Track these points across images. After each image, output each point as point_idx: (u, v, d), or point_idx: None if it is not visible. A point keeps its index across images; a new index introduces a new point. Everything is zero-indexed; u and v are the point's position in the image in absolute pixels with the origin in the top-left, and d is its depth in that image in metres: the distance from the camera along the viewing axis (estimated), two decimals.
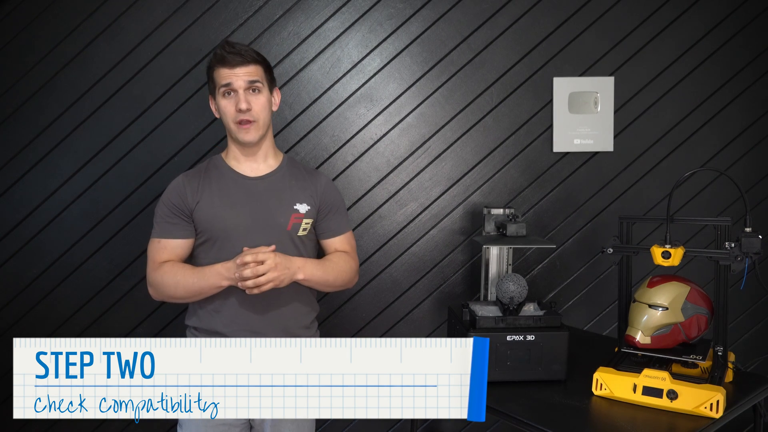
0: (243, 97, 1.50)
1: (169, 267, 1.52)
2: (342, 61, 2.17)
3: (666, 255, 1.48)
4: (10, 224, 2.12)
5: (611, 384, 1.46)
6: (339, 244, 1.68)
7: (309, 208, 1.60)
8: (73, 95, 2.11)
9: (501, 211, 1.96)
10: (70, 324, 2.16)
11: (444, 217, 2.24)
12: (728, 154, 2.26)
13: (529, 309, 1.72)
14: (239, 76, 1.50)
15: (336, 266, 1.63)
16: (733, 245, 1.43)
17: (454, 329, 1.73)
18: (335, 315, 2.24)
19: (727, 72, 2.24)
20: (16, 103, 2.10)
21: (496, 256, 1.94)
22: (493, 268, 1.94)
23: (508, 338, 1.55)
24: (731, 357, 1.57)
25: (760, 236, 1.41)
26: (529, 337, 1.55)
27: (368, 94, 2.19)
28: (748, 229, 1.43)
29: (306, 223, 1.60)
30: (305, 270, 1.53)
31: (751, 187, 2.27)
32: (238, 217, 1.53)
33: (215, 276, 1.48)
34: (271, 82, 1.60)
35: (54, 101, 2.10)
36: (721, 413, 1.35)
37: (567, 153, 2.24)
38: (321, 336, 2.22)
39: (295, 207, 1.58)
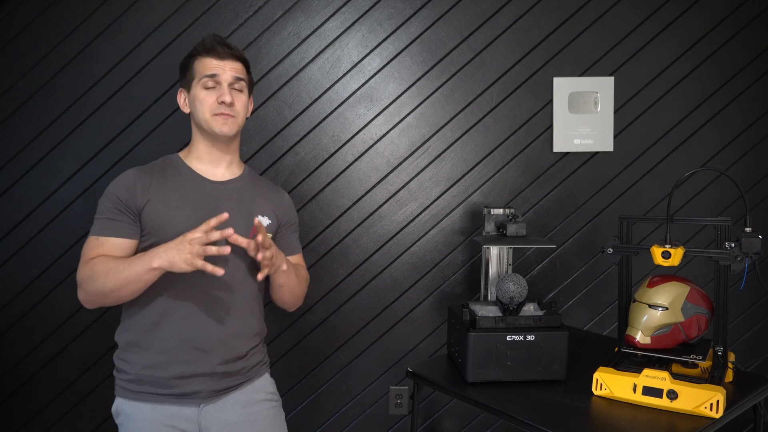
0: (228, 90, 1.43)
1: (101, 258, 1.34)
2: (342, 61, 2.17)
3: (666, 255, 1.47)
4: (10, 224, 2.12)
5: (611, 384, 1.46)
6: (296, 262, 1.63)
7: (270, 222, 1.52)
8: (73, 95, 2.11)
9: (501, 211, 1.96)
10: (71, 324, 2.16)
11: (444, 217, 2.24)
12: (728, 154, 2.26)
13: (529, 309, 1.72)
14: (227, 69, 1.43)
15: (300, 273, 1.59)
16: (733, 245, 1.43)
17: (454, 329, 1.73)
18: (335, 315, 2.24)
19: (727, 72, 2.24)
20: (16, 103, 2.10)
21: (496, 256, 1.94)
22: (493, 268, 1.94)
23: (508, 338, 1.55)
24: (731, 357, 1.57)
25: (760, 236, 1.41)
26: (529, 337, 1.55)
27: (368, 94, 2.19)
28: (748, 229, 1.43)
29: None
30: (287, 262, 1.46)
31: (751, 187, 2.27)
32: (194, 220, 1.36)
33: (147, 256, 1.28)
34: (251, 87, 1.54)
35: (54, 101, 2.10)
36: (721, 413, 1.35)
37: (567, 153, 2.24)
38: (314, 338, 2.23)
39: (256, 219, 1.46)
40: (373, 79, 2.18)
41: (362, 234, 2.23)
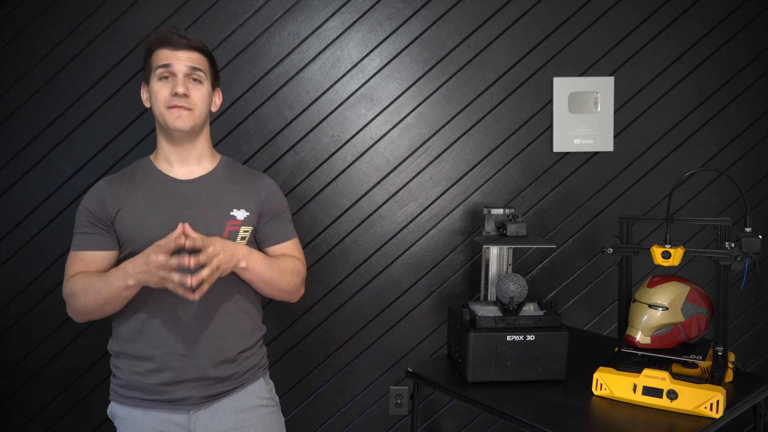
0: (182, 81, 1.35)
1: (80, 276, 1.33)
2: (342, 61, 2.17)
3: (666, 255, 1.48)
4: (11, 224, 2.12)
5: (611, 384, 1.46)
6: (285, 249, 1.53)
7: (248, 214, 1.44)
8: (73, 95, 2.11)
9: (501, 211, 1.95)
10: (71, 323, 2.16)
11: (444, 217, 2.24)
12: (728, 154, 2.26)
13: (529, 309, 1.72)
14: (181, 59, 1.35)
15: (282, 265, 1.46)
16: (733, 245, 1.43)
17: (454, 329, 1.73)
18: (335, 315, 2.24)
19: (727, 72, 2.24)
20: (16, 103, 2.10)
21: (496, 256, 1.94)
22: (493, 268, 1.94)
23: (508, 338, 1.55)
24: (731, 357, 1.57)
25: (760, 236, 1.41)
26: (529, 337, 1.55)
27: (368, 94, 2.19)
28: (748, 229, 1.43)
29: (245, 231, 1.43)
30: (249, 258, 1.36)
31: (751, 187, 2.27)
32: (167, 224, 1.32)
33: (120, 275, 1.26)
34: (215, 79, 1.46)
35: (54, 101, 2.10)
36: (721, 413, 1.35)
37: (567, 153, 2.24)
38: (314, 338, 2.23)
39: (231, 213, 1.41)
40: (373, 79, 2.19)
41: (362, 234, 2.23)
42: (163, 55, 1.36)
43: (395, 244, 2.24)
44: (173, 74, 1.36)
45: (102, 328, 2.17)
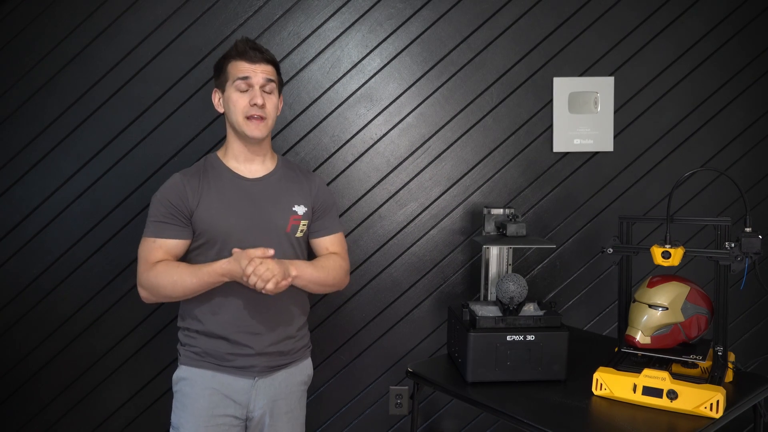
0: (259, 92, 1.52)
1: (164, 267, 1.49)
2: (342, 61, 2.17)
3: (666, 255, 1.48)
4: (10, 224, 2.12)
5: (611, 384, 1.46)
6: (330, 243, 1.69)
7: (306, 209, 1.62)
8: (73, 95, 2.11)
9: (501, 211, 1.96)
10: (71, 324, 2.16)
11: (444, 217, 2.24)
12: (728, 154, 2.26)
13: (529, 309, 1.72)
14: (258, 72, 1.52)
15: (326, 265, 1.63)
16: (733, 245, 1.43)
17: (454, 329, 1.73)
18: (335, 315, 2.24)
19: (726, 72, 2.24)
20: (16, 103, 2.10)
21: (496, 256, 1.94)
22: (493, 268, 1.94)
23: (508, 338, 1.55)
24: (731, 357, 1.57)
25: (760, 236, 1.41)
26: (529, 337, 1.55)
27: (368, 94, 2.19)
28: (748, 229, 1.43)
29: (303, 225, 1.61)
30: (296, 265, 1.53)
31: (751, 187, 2.27)
32: (238, 219, 1.53)
33: (213, 276, 1.47)
34: (281, 87, 1.63)
35: (54, 101, 2.10)
36: (721, 413, 1.35)
37: (567, 153, 2.24)
38: (314, 338, 2.23)
39: (293, 209, 1.59)
40: (373, 79, 2.19)
41: (362, 234, 2.23)
42: (243, 68, 1.52)
43: (395, 244, 2.24)
44: (251, 86, 1.52)
45: (101, 328, 2.17)
